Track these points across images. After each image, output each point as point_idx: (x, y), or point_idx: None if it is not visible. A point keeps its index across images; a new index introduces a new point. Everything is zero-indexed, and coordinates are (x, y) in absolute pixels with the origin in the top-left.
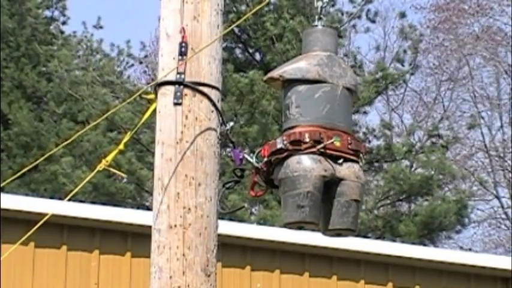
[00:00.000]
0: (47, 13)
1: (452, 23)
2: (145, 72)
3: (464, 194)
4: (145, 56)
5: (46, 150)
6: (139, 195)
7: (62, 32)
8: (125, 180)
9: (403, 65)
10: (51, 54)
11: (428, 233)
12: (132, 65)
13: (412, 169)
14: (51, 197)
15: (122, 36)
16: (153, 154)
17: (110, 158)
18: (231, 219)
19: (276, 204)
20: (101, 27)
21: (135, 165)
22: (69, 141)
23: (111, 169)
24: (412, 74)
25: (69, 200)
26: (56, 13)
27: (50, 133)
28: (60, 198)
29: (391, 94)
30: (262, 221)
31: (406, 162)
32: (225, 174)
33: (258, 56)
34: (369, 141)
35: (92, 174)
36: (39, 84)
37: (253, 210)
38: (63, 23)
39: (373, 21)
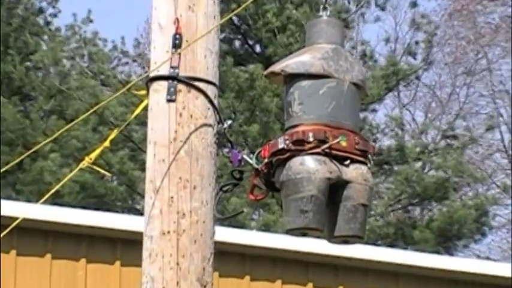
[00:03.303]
0: (36, 3)
1: (469, 12)
2: (143, 67)
3: (486, 199)
4: (139, 55)
5: (32, 148)
6: (130, 197)
7: (48, 23)
8: (114, 181)
9: (415, 58)
10: (38, 46)
11: (445, 242)
12: (127, 63)
13: (426, 171)
14: (37, 200)
15: (115, 31)
16: (146, 154)
17: (93, 155)
18: (230, 225)
19: (279, 209)
20: (91, 21)
21: (127, 165)
22: (54, 137)
23: (95, 167)
24: (425, 69)
25: (54, 203)
26: (44, 3)
27: (37, 130)
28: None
29: (402, 90)
30: (265, 227)
31: (419, 164)
32: (222, 177)
33: (258, 49)
34: (376, 140)
35: (74, 171)
36: (27, 78)
37: (254, 215)
38: (54, 15)
39: (383, 9)
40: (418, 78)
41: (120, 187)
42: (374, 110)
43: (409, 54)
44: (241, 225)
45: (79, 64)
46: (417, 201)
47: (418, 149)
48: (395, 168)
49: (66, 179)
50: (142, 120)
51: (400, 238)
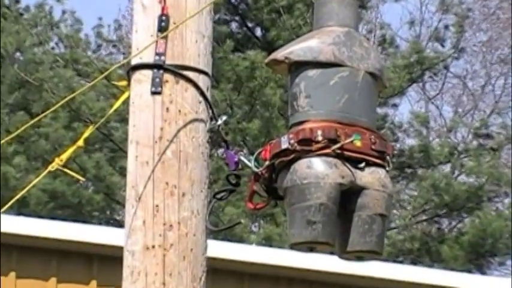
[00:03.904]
0: None
1: None
2: (124, 54)
3: None
4: (120, 39)
5: None
6: (108, 207)
7: (9, 8)
8: (90, 187)
9: (443, 45)
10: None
11: (477, 258)
12: (111, 53)
13: (455, 176)
14: None
15: (92, 11)
16: (127, 155)
17: (64, 156)
18: (225, 239)
19: (284, 220)
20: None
21: (105, 169)
22: (16, 133)
23: (65, 170)
24: (455, 57)
25: (19, 213)
26: None
27: None
28: None
29: (428, 81)
30: (267, 241)
31: (447, 168)
32: (216, 182)
33: (259, 32)
34: (398, 140)
35: (42, 175)
36: None
37: (253, 227)
38: None
39: None
40: (446, 67)
41: (97, 195)
42: (395, 105)
43: (436, 40)
44: (239, 239)
45: (50, 51)
46: (445, 212)
47: (445, 150)
48: (419, 172)
49: (31, 185)
50: (123, 117)
51: (425, 254)
